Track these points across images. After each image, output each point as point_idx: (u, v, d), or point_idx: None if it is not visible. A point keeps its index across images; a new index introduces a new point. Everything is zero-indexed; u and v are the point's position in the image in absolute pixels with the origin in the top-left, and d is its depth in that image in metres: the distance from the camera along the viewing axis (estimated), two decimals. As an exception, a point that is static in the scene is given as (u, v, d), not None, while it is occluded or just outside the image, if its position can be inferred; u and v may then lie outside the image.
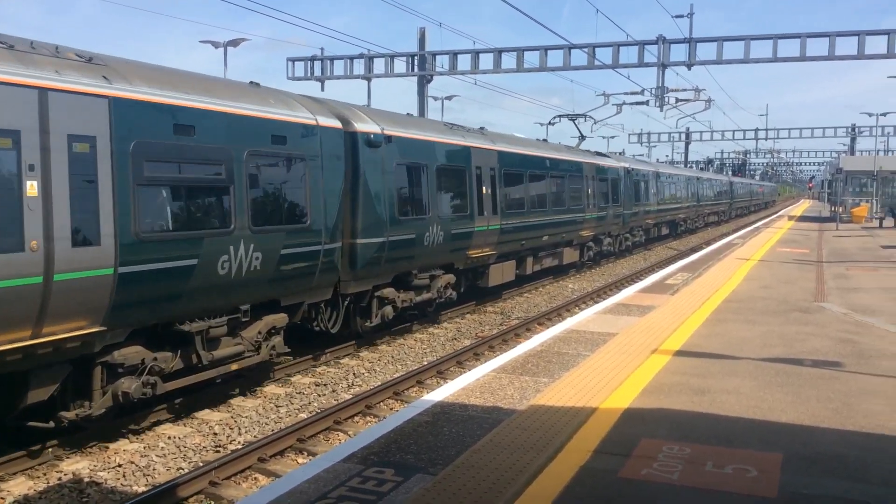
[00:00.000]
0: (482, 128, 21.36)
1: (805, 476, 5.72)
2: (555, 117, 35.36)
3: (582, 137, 32.25)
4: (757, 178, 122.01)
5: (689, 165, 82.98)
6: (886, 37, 35.52)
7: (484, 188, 18.69)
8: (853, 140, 75.43)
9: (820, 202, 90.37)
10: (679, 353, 9.82)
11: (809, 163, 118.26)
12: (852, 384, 8.38)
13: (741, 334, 11.15)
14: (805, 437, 6.59)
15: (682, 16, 39.01)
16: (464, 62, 41.28)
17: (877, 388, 8.18)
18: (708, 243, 37.89)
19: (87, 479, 8.43)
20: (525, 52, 40.11)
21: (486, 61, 40.68)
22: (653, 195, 37.43)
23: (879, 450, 6.28)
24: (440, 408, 7.46)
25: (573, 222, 25.25)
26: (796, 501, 5.27)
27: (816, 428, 6.86)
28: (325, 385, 12.51)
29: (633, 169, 33.98)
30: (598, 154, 31.21)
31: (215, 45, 31.80)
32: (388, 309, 14.82)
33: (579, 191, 25.88)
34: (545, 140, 29.24)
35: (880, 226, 39.60)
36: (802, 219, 52.56)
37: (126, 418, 10.13)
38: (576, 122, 32.47)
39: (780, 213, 75.45)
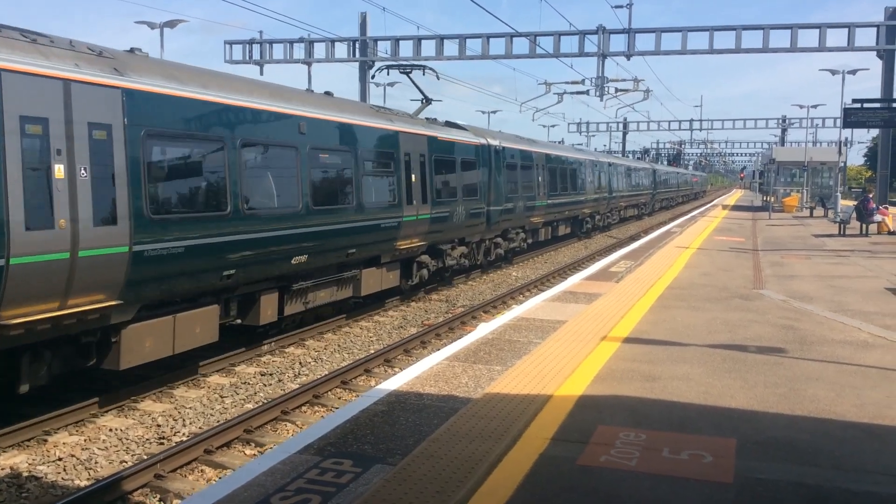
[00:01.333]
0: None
1: (759, 461, 5.82)
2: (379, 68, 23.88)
3: (426, 101, 21.58)
4: (690, 167, 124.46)
5: (625, 155, 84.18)
6: (818, 30, 36.62)
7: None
8: (784, 131, 77.60)
9: (751, 192, 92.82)
10: (628, 340, 9.92)
11: (741, 153, 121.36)
12: (796, 369, 8.58)
13: (687, 321, 11.33)
14: (756, 423, 6.71)
15: (621, 6, 39.59)
16: (406, 48, 41.15)
17: (820, 374, 8.39)
18: (633, 239, 34.04)
19: (25, 474, 8.11)
20: (467, 40, 40.15)
21: (429, 48, 40.64)
22: (541, 185, 28.70)
23: (828, 434, 6.43)
24: (395, 397, 7.38)
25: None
26: (752, 486, 5.35)
27: (766, 413, 6.99)
28: (270, 375, 12.30)
29: (505, 148, 24.72)
30: (450, 126, 21.76)
31: (151, 26, 30.92)
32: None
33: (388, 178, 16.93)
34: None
35: (811, 215, 40.84)
36: (736, 208, 53.87)
37: (65, 410, 9.79)
38: (410, 74, 21.42)
39: (713, 202, 73.86)
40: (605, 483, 5.37)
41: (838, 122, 47.22)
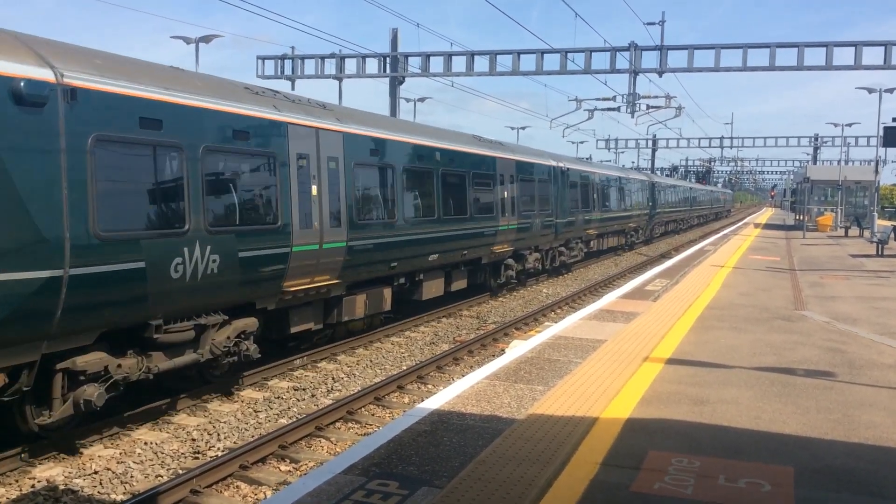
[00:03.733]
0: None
1: (819, 490, 5.59)
2: None
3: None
4: (719, 185, 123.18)
5: (655, 172, 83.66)
6: (854, 48, 36.12)
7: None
8: (816, 150, 76.72)
9: (782, 210, 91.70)
10: (671, 362, 9.68)
11: (772, 171, 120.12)
12: (848, 395, 8.31)
13: (729, 342, 11.07)
14: (812, 450, 6.47)
15: (653, 23, 39.34)
16: (436, 64, 41.13)
17: (874, 400, 8.11)
18: (664, 257, 34.78)
19: (62, 487, 8.04)
20: (498, 56, 40.08)
21: (459, 64, 40.59)
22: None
23: (890, 463, 6.17)
24: (437, 416, 7.21)
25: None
26: (816, 517, 5.12)
27: (822, 440, 6.74)
28: (303, 389, 12.19)
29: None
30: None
31: (187, 41, 31.19)
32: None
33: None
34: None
35: (846, 234, 40.18)
36: (768, 226, 53.18)
37: (100, 423, 9.74)
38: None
39: (736, 226, 59.92)
40: (662, 511, 5.17)
41: (873, 141, 46.58)
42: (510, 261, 22.54)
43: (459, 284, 19.64)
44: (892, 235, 28.42)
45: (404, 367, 13.73)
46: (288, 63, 42.01)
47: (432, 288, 17.95)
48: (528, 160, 24.16)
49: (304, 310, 13.21)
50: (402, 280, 16.48)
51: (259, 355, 11.74)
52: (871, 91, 40.27)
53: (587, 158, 52.67)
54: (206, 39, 30.68)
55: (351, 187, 13.90)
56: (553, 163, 26.66)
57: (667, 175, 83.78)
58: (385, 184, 15.49)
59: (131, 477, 8.52)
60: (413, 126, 17.43)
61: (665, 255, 35.65)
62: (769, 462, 6.15)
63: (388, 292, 15.85)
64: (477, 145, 20.63)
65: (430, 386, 12.59)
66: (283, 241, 12.01)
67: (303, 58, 41.99)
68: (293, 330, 13.00)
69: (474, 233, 19.52)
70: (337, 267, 13.62)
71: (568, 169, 28.30)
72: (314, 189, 12.90)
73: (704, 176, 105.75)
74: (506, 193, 21.70)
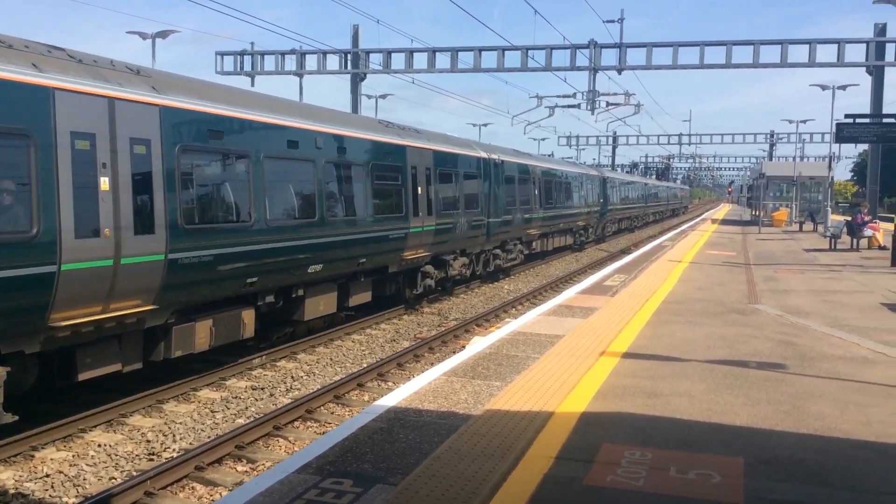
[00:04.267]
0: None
1: (769, 481, 5.68)
2: None
3: None
4: (678, 182, 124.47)
5: (614, 168, 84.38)
6: (808, 46, 36.83)
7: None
8: (772, 146, 78.02)
9: (739, 206, 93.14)
10: (627, 356, 9.78)
11: (729, 168, 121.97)
12: (799, 386, 8.47)
13: (684, 336, 11.22)
14: (762, 441, 6.58)
15: (612, 21, 39.67)
16: (398, 61, 41.09)
17: (823, 391, 8.28)
18: (624, 252, 36.02)
19: (12, 491, 7.89)
20: (459, 53, 40.14)
21: (421, 61, 40.60)
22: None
23: (836, 453, 6.31)
24: (394, 413, 7.21)
25: None
26: (763, 507, 5.21)
27: (772, 431, 6.86)
28: (261, 389, 12.10)
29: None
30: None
31: (143, 36, 30.73)
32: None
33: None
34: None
35: (800, 230, 40.93)
36: (725, 222, 53.98)
37: (53, 425, 9.57)
38: None
39: (693, 221, 60.19)
40: (612, 503, 5.23)
41: (827, 138, 47.55)
42: (429, 267, 19.56)
43: (360, 299, 16.41)
44: (845, 230, 29.02)
45: (365, 365, 13.70)
46: (248, 59, 41.63)
47: (319, 305, 14.73)
48: (450, 150, 20.80)
49: (102, 347, 9.91)
50: (271, 298, 13.22)
51: (15, 418, 8.77)
52: (824, 88, 41.08)
53: (549, 155, 52.64)
54: (163, 35, 30.26)
55: (175, 181, 10.57)
56: (483, 154, 23.49)
57: (627, 172, 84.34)
58: (235, 177, 12.16)
59: (84, 479, 8.39)
60: (282, 104, 13.98)
61: (624, 251, 36.00)
62: (720, 453, 6.24)
63: (248, 315, 12.60)
64: (380, 131, 17.22)
65: (390, 383, 12.58)
66: (43, 258, 8.66)
67: (262, 54, 41.65)
68: (84, 376, 9.68)
69: (375, 237, 16.15)
70: (151, 288, 10.20)
71: (503, 161, 25.12)
72: (104, 182, 9.42)
73: (663, 172, 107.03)
74: (420, 189, 18.39)
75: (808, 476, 5.80)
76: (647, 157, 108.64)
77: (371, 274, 16.80)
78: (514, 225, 26.31)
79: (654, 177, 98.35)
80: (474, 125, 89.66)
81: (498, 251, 25.00)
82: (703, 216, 74.00)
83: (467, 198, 21.68)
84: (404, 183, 17.80)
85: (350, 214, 15.42)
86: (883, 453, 6.33)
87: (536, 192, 29.26)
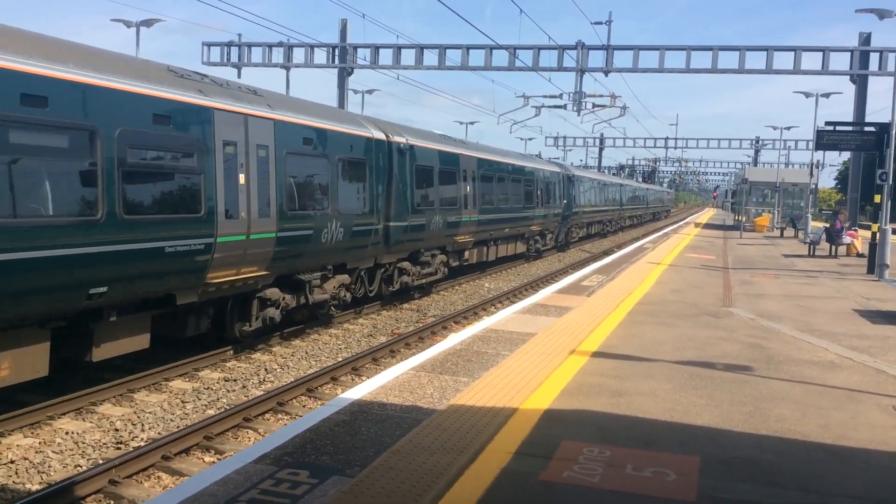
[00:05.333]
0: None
1: (722, 480, 5.75)
2: None
3: None
4: (664, 185, 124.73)
5: (602, 170, 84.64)
6: (793, 53, 37.10)
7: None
8: (757, 152, 78.48)
9: (724, 211, 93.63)
10: (597, 355, 9.86)
11: (715, 172, 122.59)
12: (763, 388, 8.56)
13: (655, 337, 11.31)
14: (721, 441, 6.66)
15: (600, 23, 39.77)
16: (385, 57, 41.10)
17: (786, 393, 8.37)
18: (606, 254, 34.25)
19: (-27, 477, 7.86)
20: (447, 50, 40.18)
21: (408, 57, 40.62)
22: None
23: (792, 455, 6.39)
24: (358, 406, 7.24)
25: None
26: (715, 505, 5.28)
27: (731, 432, 6.94)
28: (234, 381, 12.09)
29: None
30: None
31: (127, 24, 30.57)
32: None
33: None
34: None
35: (781, 235, 41.23)
36: (708, 226, 54.29)
37: (21, 412, 9.53)
38: None
39: (676, 225, 59.11)
40: (567, 499, 5.28)
41: (811, 145, 47.82)
42: (271, 291, 13.53)
43: (108, 350, 10.54)
44: (824, 236, 29.26)
45: (340, 359, 13.71)
46: (234, 51, 41.51)
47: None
48: (308, 123, 14.42)
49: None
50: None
51: None
52: (808, 95, 41.36)
53: (537, 155, 51.03)
54: (148, 23, 30.11)
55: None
56: (376, 134, 17.37)
57: (613, 174, 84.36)
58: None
59: (49, 467, 8.37)
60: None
61: (607, 252, 36.14)
62: (678, 452, 6.31)
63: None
64: (170, 84, 11.11)
65: (364, 378, 12.59)
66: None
67: (249, 45, 41.54)
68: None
69: (116, 253, 9.83)
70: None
71: (412, 147, 19.13)
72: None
73: (650, 175, 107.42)
74: (241, 179, 12.24)
75: (763, 477, 5.87)
76: (633, 159, 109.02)
77: (130, 309, 10.84)
78: (432, 231, 20.43)
79: (640, 179, 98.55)
80: (461, 123, 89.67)
81: (406, 264, 19.30)
82: (686, 220, 74.38)
83: (345, 193, 15.58)
84: (206, 169, 11.50)
85: (77, 215, 9.36)
86: (838, 456, 6.42)
87: (469, 189, 23.42)
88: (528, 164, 31.92)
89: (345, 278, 16.14)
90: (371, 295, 18.11)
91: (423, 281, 20.63)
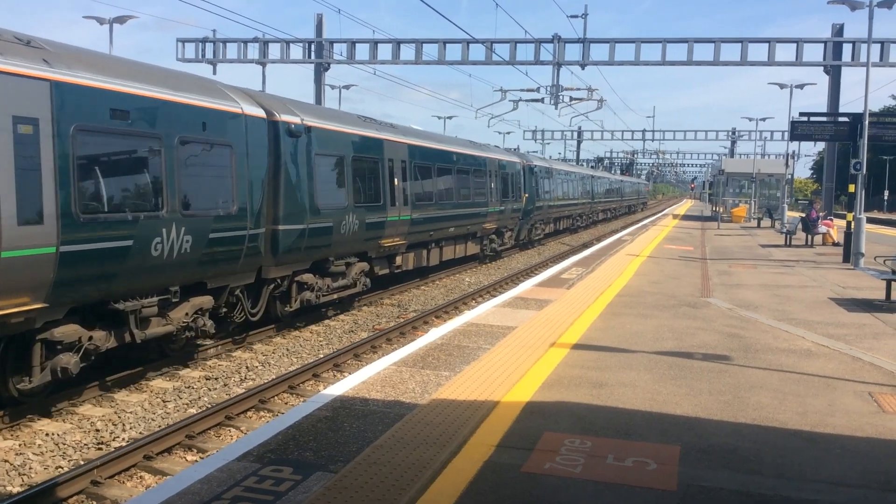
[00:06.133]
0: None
1: (703, 469, 5.83)
2: None
3: None
4: (642, 177, 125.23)
5: (579, 163, 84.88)
6: (767, 45, 37.42)
7: None
8: (733, 143, 79.14)
9: (701, 202, 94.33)
10: (577, 347, 9.92)
11: (693, 164, 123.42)
12: (741, 377, 8.66)
13: (635, 328, 11.40)
14: (700, 430, 6.74)
15: (576, 16, 39.92)
16: (362, 51, 41.02)
17: (764, 382, 8.48)
18: (585, 246, 35.84)
19: (-48, 481, 7.79)
20: (424, 45, 40.16)
21: (385, 52, 40.57)
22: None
23: (770, 442, 6.48)
24: (340, 402, 7.25)
25: None
26: (695, 494, 5.35)
27: (710, 420, 7.02)
28: (215, 379, 12.05)
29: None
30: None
31: (100, 21, 30.25)
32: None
33: None
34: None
35: (758, 226, 41.62)
36: (686, 217, 54.68)
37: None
38: None
39: (655, 216, 60.77)
40: (549, 490, 5.32)
41: (786, 135, 48.29)
42: (64, 330, 9.63)
43: None
44: (800, 226, 29.58)
45: (321, 356, 13.70)
46: (209, 46, 41.22)
47: None
48: (121, 89, 10.26)
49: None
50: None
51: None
52: (782, 87, 41.75)
53: (514, 149, 48.94)
54: (121, 20, 29.80)
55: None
56: (251, 111, 13.31)
57: (592, 166, 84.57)
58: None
59: (30, 468, 8.32)
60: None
61: (586, 245, 36.32)
62: (658, 442, 6.38)
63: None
64: None
65: (346, 374, 12.59)
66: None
67: (225, 41, 41.28)
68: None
69: None
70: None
71: (310, 129, 15.08)
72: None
73: (628, 168, 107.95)
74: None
75: (742, 464, 5.96)
76: (611, 152, 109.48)
77: None
78: (345, 234, 16.36)
79: (618, 171, 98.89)
80: (439, 118, 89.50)
81: (309, 277, 15.46)
82: (665, 212, 74.85)
83: (193, 188, 11.70)
84: None
85: None
86: (815, 442, 6.52)
87: (398, 182, 19.47)
88: (480, 153, 27.56)
89: (205, 301, 12.21)
90: (255, 319, 14.09)
91: (336, 296, 16.72)
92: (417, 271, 22.51)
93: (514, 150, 43.80)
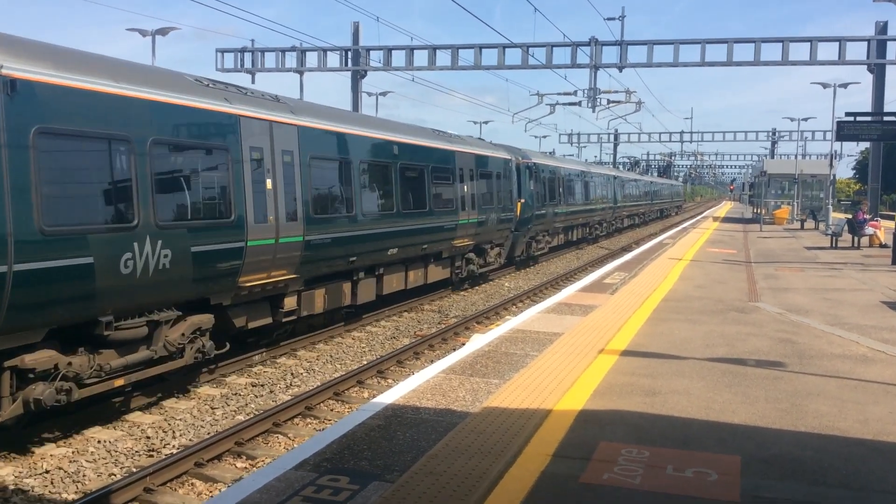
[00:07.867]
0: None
1: (765, 479, 5.69)
2: None
3: None
4: (679, 179, 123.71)
5: (616, 165, 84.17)
6: (809, 44, 36.80)
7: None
8: (774, 144, 77.97)
9: (741, 204, 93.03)
10: (626, 353, 9.79)
11: (732, 165, 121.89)
12: (797, 384, 8.47)
13: (683, 334, 11.22)
14: (759, 439, 6.59)
15: (613, 18, 39.60)
16: (398, 58, 41.11)
17: (821, 389, 8.29)
18: (625, 250, 35.59)
19: (12, 487, 7.91)
20: (460, 50, 40.14)
21: (421, 58, 40.62)
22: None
23: (833, 451, 6.32)
24: (391, 411, 7.22)
25: None
26: (759, 505, 5.23)
27: (769, 429, 6.87)
28: (262, 386, 12.12)
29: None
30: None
31: (143, 33, 30.73)
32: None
33: None
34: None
35: (802, 227, 40.90)
36: (726, 220, 53.97)
37: (51, 422, 9.59)
38: None
39: (695, 219, 56.03)
40: (610, 502, 5.24)
41: (828, 136, 47.48)
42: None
43: None
44: (846, 228, 29.00)
45: (364, 362, 13.71)
46: (248, 56, 41.64)
47: None
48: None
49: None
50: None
51: None
52: (825, 86, 41.03)
53: (550, 153, 45.33)
54: (163, 32, 30.25)
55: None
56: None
57: (628, 170, 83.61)
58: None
59: (84, 476, 8.41)
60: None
61: (625, 249, 35.98)
62: (717, 451, 6.26)
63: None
64: None
65: (390, 380, 12.59)
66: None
67: (263, 51, 41.67)
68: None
69: None
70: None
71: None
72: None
73: (665, 170, 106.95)
74: None
75: (805, 474, 5.81)
76: (648, 154, 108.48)
77: None
78: (142, 279, 9.62)
79: (655, 174, 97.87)
80: (475, 122, 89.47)
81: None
82: (704, 214, 73.96)
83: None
84: None
85: None
86: (879, 451, 6.34)
87: (273, 184, 12.41)
88: (441, 145, 20.15)
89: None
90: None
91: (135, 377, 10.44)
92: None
93: (508, 145, 29.31)
